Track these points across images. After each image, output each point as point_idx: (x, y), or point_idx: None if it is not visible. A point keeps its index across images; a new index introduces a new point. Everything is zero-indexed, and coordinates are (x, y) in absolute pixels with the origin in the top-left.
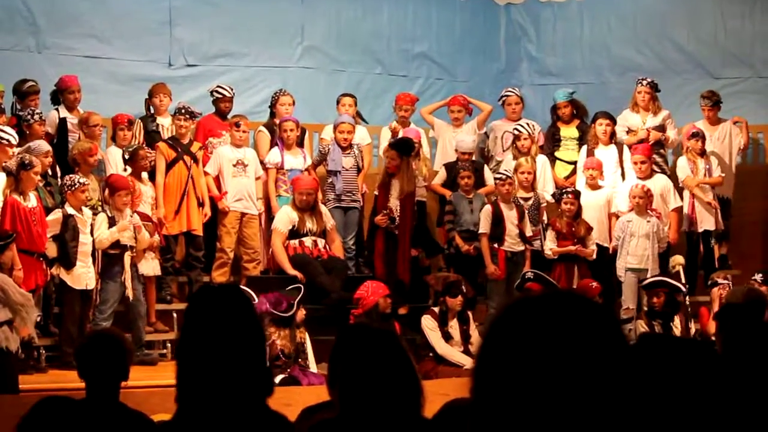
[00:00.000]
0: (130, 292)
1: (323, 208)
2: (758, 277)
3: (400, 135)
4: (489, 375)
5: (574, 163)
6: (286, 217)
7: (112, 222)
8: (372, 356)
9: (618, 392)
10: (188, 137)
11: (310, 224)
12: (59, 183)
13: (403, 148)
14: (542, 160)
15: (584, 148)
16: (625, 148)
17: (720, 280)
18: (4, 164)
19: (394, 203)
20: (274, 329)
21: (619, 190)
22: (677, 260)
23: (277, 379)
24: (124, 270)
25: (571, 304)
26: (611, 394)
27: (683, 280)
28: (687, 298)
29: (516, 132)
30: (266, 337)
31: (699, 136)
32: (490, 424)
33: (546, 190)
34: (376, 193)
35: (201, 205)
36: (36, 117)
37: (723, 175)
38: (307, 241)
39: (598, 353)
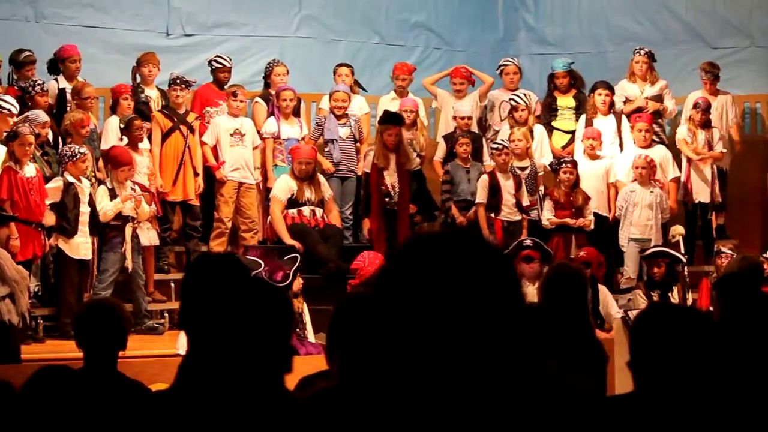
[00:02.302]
0: (129, 263)
1: (321, 178)
2: None
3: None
4: (384, 310)
5: (571, 132)
6: (285, 185)
7: (112, 194)
8: (369, 326)
9: (511, 328)
10: (184, 107)
11: (308, 194)
12: (58, 153)
13: (396, 119)
14: (539, 129)
15: (583, 117)
16: (624, 119)
17: (725, 249)
18: (5, 133)
19: (390, 180)
20: None
21: (617, 160)
22: (677, 230)
23: None
24: (125, 241)
25: (462, 241)
26: (503, 329)
27: (683, 250)
28: (686, 268)
29: (513, 103)
30: None
31: (700, 107)
32: (384, 355)
33: (543, 159)
34: (366, 170)
35: (197, 175)
36: (38, 88)
37: (724, 150)
38: (306, 210)
39: (489, 289)
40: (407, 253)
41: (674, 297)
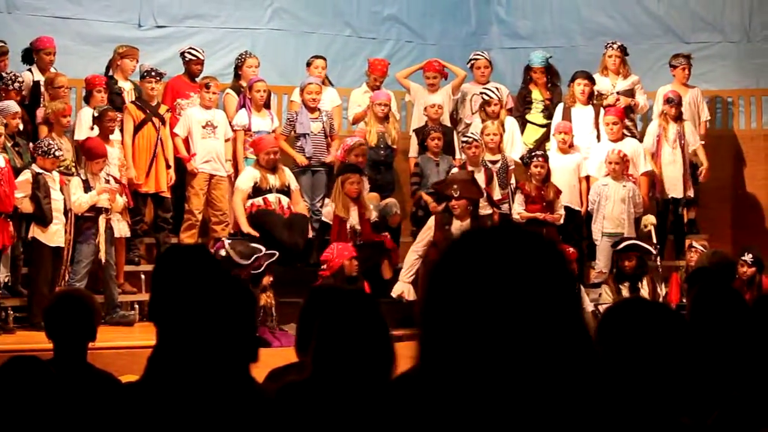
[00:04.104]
0: (103, 255)
1: (285, 168)
2: (748, 257)
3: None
4: (436, 308)
5: (545, 126)
6: (249, 175)
7: (86, 185)
8: (347, 317)
9: (564, 324)
10: (156, 99)
11: (272, 180)
12: (29, 144)
13: (355, 168)
14: (510, 122)
15: (559, 106)
16: (602, 110)
17: (696, 245)
18: None
19: (354, 221)
20: None
21: (592, 152)
22: (649, 220)
23: None
24: (99, 232)
25: (517, 236)
26: (557, 325)
27: (655, 240)
28: (658, 259)
29: (486, 97)
30: None
31: (674, 102)
32: (437, 358)
33: (514, 152)
34: (325, 220)
35: (169, 167)
36: (16, 85)
37: (702, 142)
38: (271, 197)
39: (543, 283)
40: (461, 247)
41: (644, 288)
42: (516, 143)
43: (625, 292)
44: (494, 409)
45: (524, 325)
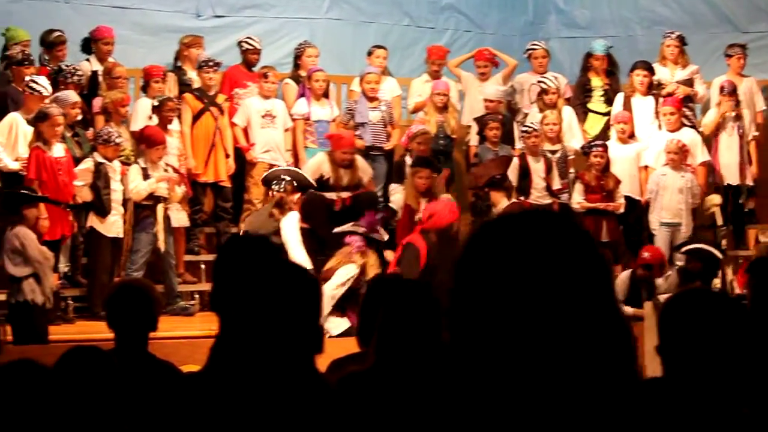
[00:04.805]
0: (161, 244)
1: (360, 162)
2: None
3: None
4: (465, 294)
5: (607, 113)
6: (316, 168)
7: (145, 174)
8: (409, 307)
9: (595, 310)
10: (214, 89)
11: (345, 179)
12: (88, 134)
13: (432, 164)
14: (568, 111)
15: (619, 96)
16: (660, 99)
17: (763, 238)
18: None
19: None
20: (363, 258)
21: (653, 141)
22: (712, 201)
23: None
24: (157, 221)
25: (546, 220)
26: (588, 310)
27: (719, 222)
28: (724, 257)
29: (543, 86)
30: (354, 266)
31: (726, 90)
32: (467, 342)
33: (574, 141)
34: (393, 207)
35: (228, 156)
36: (75, 78)
37: (756, 133)
38: (332, 195)
39: (574, 268)
40: (488, 233)
41: (716, 287)
42: (575, 133)
43: None
44: (526, 397)
45: (551, 309)
